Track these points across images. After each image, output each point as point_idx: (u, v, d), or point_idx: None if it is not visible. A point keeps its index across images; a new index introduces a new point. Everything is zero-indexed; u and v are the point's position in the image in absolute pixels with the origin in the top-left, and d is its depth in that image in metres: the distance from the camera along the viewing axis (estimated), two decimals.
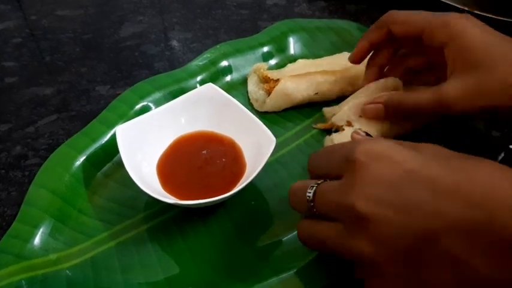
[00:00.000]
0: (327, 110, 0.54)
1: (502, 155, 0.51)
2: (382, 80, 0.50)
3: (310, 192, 0.34)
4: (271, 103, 0.56)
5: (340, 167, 0.33)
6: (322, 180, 0.34)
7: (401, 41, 0.49)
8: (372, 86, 0.51)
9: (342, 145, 0.36)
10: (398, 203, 0.29)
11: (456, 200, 0.27)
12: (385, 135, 0.49)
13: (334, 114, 0.53)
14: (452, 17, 0.43)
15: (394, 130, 0.49)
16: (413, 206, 0.29)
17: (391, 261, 0.29)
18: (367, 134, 0.41)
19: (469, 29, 0.42)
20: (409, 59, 0.52)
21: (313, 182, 0.34)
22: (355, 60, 0.52)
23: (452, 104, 0.41)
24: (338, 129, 0.51)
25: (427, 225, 0.28)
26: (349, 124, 0.50)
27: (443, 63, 0.44)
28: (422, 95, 0.44)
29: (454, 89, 0.41)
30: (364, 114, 0.49)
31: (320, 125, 0.54)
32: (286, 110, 0.57)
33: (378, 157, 0.31)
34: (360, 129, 0.45)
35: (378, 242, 0.29)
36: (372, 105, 0.48)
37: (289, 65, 0.60)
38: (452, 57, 0.43)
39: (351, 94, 0.54)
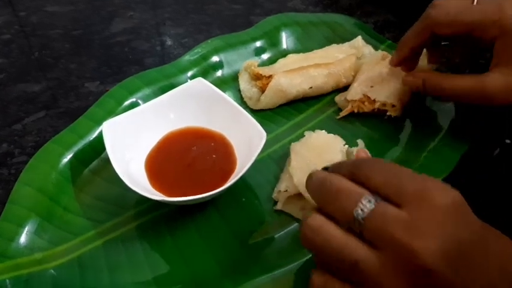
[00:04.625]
0: (338, 98, 0.55)
1: (498, 149, 0.50)
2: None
3: (364, 206, 0.28)
4: (266, 100, 0.55)
5: (400, 192, 0.28)
6: (377, 197, 0.28)
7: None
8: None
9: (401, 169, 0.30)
10: (464, 267, 0.27)
11: None
12: (402, 100, 0.51)
13: (345, 98, 0.53)
14: (504, 9, 0.41)
15: (408, 95, 0.52)
16: (477, 277, 0.27)
17: None
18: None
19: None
20: (449, 49, 0.51)
21: (366, 193, 0.29)
22: (396, 65, 0.51)
23: (494, 94, 0.41)
24: (359, 110, 0.53)
25: None
26: (366, 97, 0.52)
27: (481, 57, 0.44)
28: (464, 81, 0.43)
29: (497, 80, 0.41)
30: (404, 83, 0.49)
31: (343, 113, 0.54)
32: (279, 106, 0.56)
33: (454, 205, 0.28)
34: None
35: None
36: (411, 78, 0.48)
37: (280, 60, 0.59)
38: (501, 50, 0.42)
39: (345, 86, 0.54)
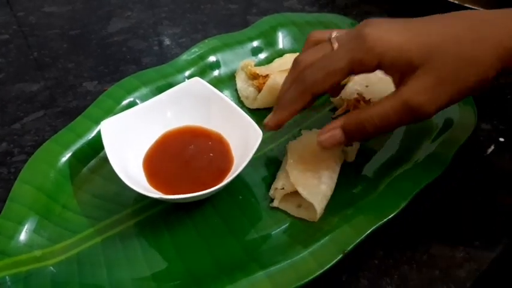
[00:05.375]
0: (334, 98, 0.55)
1: (492, 147, 0.51)
2: None
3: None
4: (263, 99, 0.55)
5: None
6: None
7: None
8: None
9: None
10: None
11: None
12: None
13: (341, 97, 0.53)
14: (366, 37, 0.38)
15: None
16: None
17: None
18: None
19: (387, 38, 0.38)
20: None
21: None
22: (275, 129, 0.45)
23: (418, 102, 0.37)
24: (355, 109, 0.51)
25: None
26: (361, 97, 0.52)
27: None
28: (383, 106, 0.38)
29: (414, 85, 0.37)
30: (321, 145, 0.42)
31: (338, 112, 0.54)
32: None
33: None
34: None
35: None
36: (328, 134, 0.41)
37: (276, 60, 0.60)
38: (391, 71, 0.40)
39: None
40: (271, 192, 0.45)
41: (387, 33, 0.38)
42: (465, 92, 0.37)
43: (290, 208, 0.44)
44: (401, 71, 0.38)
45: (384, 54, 0.38)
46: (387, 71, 0.39)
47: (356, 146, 0.48)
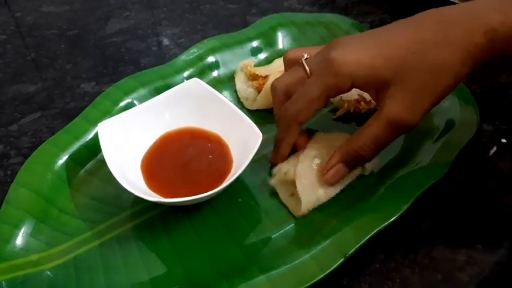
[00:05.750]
0: (335, 98, 0.54)
1: (494, 148, 0.50)
2: None
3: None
4: (262, 100, 0.54)
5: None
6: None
7: None
8: None
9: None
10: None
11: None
12: None
13: (341, 98, 0.53)
14: (333, 61, 0.39)
15: None
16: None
17: None
18: None
19: (354, 58, 0.39)
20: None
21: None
22: (280, 162, 0.46)
23: (401, 117, 0.38)
24: (356, 110, 0.53)
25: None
26: (361, 98, 0.52)
27: None
28: (370, 129, 0.40)
29: (393, 102, 0.38)
30: (328, 183, 0.43)
31: (339, 112, 0.54)
32: None
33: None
34: None
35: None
36: (331, 172, 0.43)
37: (276, 60, 0.59)
38: (366, 89, 0.41)
39: None
40: (275, 170, 0.45)
41: (354, 53, 0.39)
42: (443, 94, 0.39)
43: (283, 192, 0.44)
44: (375, 88, 0.40)
45: (353, 74, 0.39)
46: (362, 89, 0.41)
47: (374, 161, 0.46)
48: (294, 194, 0.44)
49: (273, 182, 0.45)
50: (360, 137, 0.41)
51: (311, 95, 0.41)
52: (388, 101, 0.38)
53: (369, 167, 0.46)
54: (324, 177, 0.43)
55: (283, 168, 0.45)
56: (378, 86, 0.39)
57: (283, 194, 0.45)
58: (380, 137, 0.40)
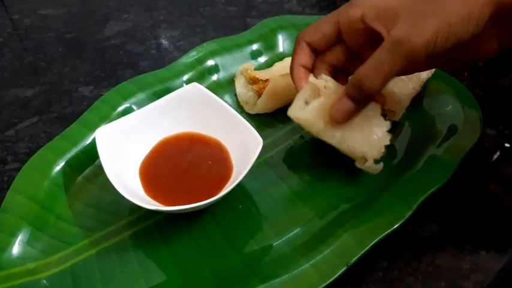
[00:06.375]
0: None
1: (498, 153, 0.50)
2: None
3: None
4: (263, 104, 0.54)
5: None
6: None
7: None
8: None
9: None
10: None
11: None
12: (401, 105, 0.50)
13: None
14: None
15: (407, 101, 0.51)
16: None
17: None
18: None
19: None
20: (328, 56, 0.46)
21: None
22: (300, 86, 0.46)
23: (407, 34, 0.36)
24: None
25: None
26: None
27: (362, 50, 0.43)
28: (375, 53, 0.38)
29: (399, 26, 0.37)
30: (334, 119, 0.42)
31: None
32: (276, 110, 0.55)
33: None
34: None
35: None
36: (337, 106, 0.42)
37: (276, 63, 0.58)
38: (377, 22, 0.39)
39: None
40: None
41: None
42: (451, 25, 0.36)
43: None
44: (385, 20, 0.39)
45: (365, 4, 0.40)
46: (373, 23, 0.40)
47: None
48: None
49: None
50: (363, 66, 0.39)
51: (322, 18, 0.44)
52: (394, 27, 0.37)
53: (378, 167, 0.45)
54: (330, 113, 0.42)
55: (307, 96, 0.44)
56: (388, 18, 0.38)
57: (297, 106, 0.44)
58: (382, 61, 0.38)
